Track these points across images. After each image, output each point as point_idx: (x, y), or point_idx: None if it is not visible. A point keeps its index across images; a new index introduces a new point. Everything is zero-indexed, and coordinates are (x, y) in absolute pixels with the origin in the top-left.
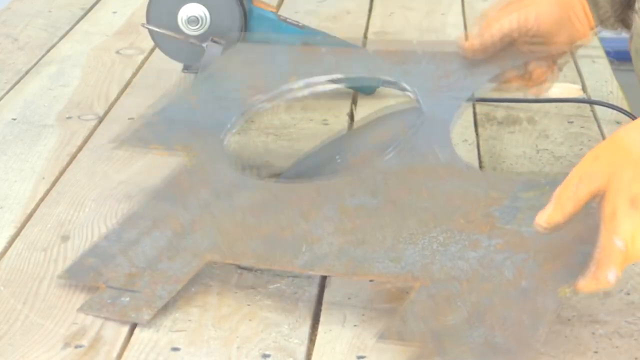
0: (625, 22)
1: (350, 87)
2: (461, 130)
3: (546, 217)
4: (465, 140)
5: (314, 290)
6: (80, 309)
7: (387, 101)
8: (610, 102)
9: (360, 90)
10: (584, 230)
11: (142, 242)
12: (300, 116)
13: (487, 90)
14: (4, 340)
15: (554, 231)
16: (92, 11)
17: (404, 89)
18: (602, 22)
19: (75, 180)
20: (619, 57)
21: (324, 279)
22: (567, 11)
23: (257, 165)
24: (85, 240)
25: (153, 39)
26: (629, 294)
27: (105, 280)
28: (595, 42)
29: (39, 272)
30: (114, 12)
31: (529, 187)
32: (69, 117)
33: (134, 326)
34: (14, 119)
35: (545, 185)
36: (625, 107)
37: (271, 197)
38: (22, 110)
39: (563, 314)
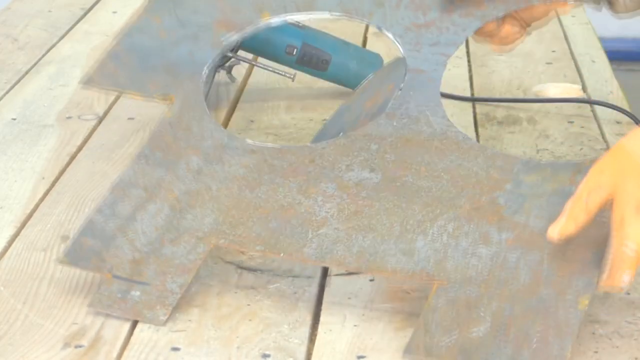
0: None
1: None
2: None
3: (559, 229)
4: None
5: (314, 290)
6: (91, 304)
7: None
8: (610, 102)
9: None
10: (595, 233)
11: (139, 219)
12: (300, 116)
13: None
14: (4, 340)
15: (567, 241)
16: (92, 11)
17: (379, 28)
18: None
19: (75, 180)
20: (618, 57)
21: (324, 279)
22: None
23: None
24: None
25: None
26: (629, 293)
27: (109, 267)
28: (596, 42)
29: (39, 272)
30: (114, 12)
31: (530, 168)
32: (69, 117)
33: (134, 326)
34: (14, 119)
35: (545, 166)
36: (625, 107)
37: (265, 166)
38: (22, 110)
39: None
